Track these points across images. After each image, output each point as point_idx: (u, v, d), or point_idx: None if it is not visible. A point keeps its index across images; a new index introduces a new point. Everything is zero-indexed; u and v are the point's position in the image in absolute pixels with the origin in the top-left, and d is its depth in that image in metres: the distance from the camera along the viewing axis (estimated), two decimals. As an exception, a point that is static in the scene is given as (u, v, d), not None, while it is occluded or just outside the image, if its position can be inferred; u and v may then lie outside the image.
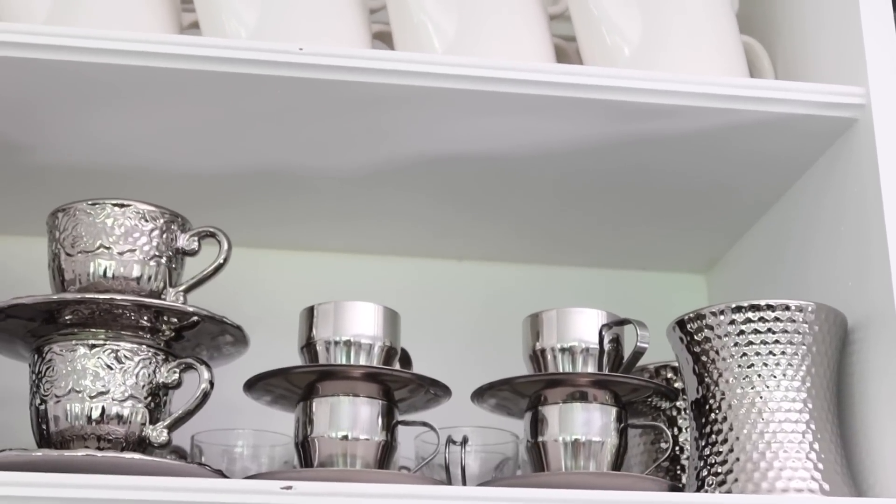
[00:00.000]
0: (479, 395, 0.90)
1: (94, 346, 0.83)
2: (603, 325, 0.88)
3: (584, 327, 0.88)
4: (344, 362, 0.87)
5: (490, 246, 1.12)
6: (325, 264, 1.10)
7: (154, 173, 0.98)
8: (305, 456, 0.86)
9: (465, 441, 0.90)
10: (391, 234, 1.08)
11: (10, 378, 0.97)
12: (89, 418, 0.82)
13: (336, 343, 0.88)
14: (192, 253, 0.87)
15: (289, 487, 0.76)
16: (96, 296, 0.82)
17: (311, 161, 0.97)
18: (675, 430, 0.94)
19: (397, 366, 0.90)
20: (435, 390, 0.89)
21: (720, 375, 0.85)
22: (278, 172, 0.99)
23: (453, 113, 0.91)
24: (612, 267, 1.15)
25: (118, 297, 0.82)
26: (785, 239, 1.03)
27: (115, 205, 0.85)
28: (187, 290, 0.87)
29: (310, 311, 0.89)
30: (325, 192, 1.01)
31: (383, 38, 1.00)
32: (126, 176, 0.98)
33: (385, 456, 0.86)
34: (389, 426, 0.86)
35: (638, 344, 0.86)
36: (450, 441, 0.90)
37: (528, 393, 0.89)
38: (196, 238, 0.88)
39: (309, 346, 0.88)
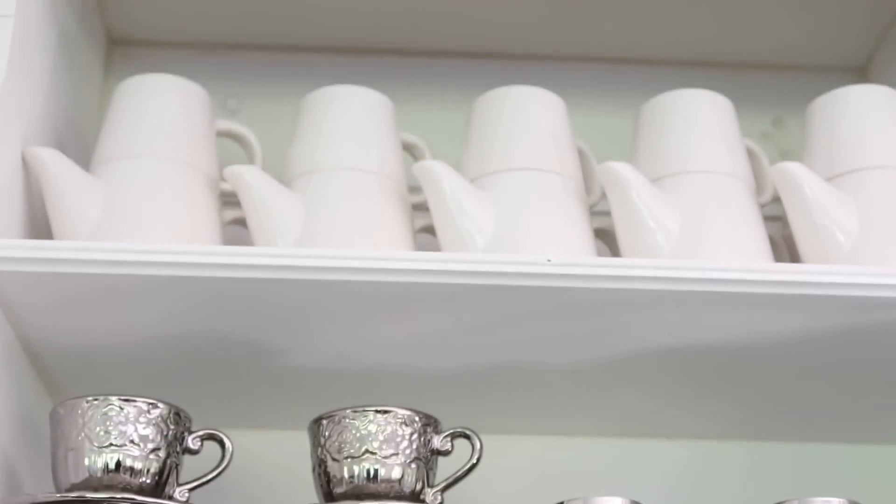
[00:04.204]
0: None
1: (366, 548, 0.89)
2: (850, 516, 0.91)
3: (831, 519, 0.92)
4: (595, 557, 0.91)
5: (699, 425, 1.15)
6: (544, 448, 1.14)
7: (397, 374, 1.04)
8: None
9: None
10: (611, 419, 1.13)
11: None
12: None
13: (587, 538, 0.92)
14: (446, 454, 0.93)
15: None
16: None
17: (541, 357, 1.02)
18: None
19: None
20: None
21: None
22: (511, 368, 1.04)
23: (679, 312, 0.96)
24: (824, 441, 1.17)
25: (389, 502, 0.88)
26: None
27: (377, 412, 0.91)
28: (444, 490, 0.92)
29: (561, 508, 0.94)
30: (553, 385, 1.06)
31: (601, 236, 1.06)
32: (371, 376, 1.04)
33: None
34: None
35: (887, 533, 0.89)
36: None
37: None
38: (450, 439, 0.93)
39: (561, 542, 0.93)
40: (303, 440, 0.95)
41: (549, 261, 0.92)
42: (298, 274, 0.91)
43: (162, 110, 1.03)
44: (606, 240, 1.07)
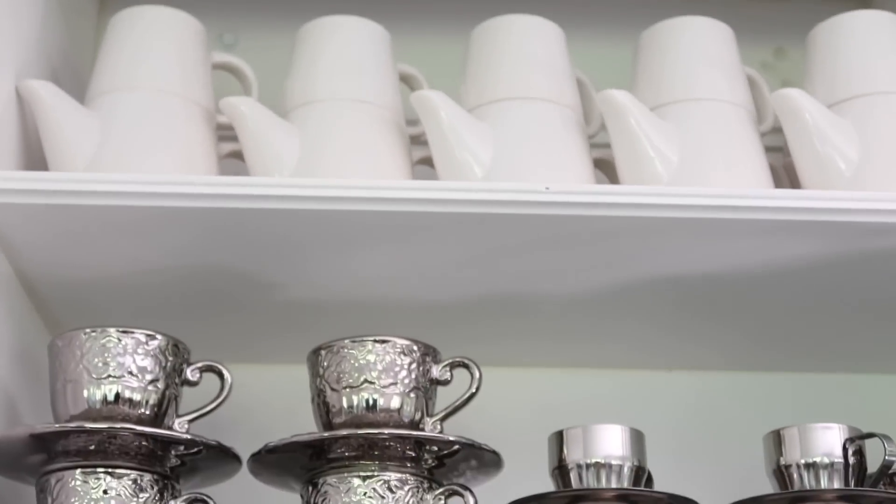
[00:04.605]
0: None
1: (366, 477, 0.88)
2: (847, 440, 0.91)
3: (827, 442, 0.91)
4: (595, 485, 0.91)
5: (699, 356, 1.15)
6: (544, 379, 1.14)
7: (396, 304, 1.03)
8: (565, 576, 0.90)
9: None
10: (611, 349, 1.13)
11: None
12: (365, 548, 0.87)
13: (587, 466, 0.92)
14: (445, 383, 0.93)
15: None
16: (370, 431, 0.87)
17: (540, 287, 1.02)
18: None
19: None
20: (682, 508, 0.92)
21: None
22: (510, 298, 1.03)
23: (678, 240, 0.95)
24: (824, 371, 1.17)
25: (388, 431, 0.88)
26: None
27: (375, 341, 0.91)
28: (443, 419, 0.92)
29: (559, 436, 0.93)
30: (552, 315, 1.06)
31: (601, 166, 1.06)
32: (371, 307, 1.04)
33: (641, 573, 0.90)
34: (641, 544, 0.90)
35: (886, 458, 0.89)
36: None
37: (772, 507, 0.92)
38: (448, 368, 0.93)
39: (561, 469, 0.93)
40: (302, 373, 0.94)
41: (547, 189, 0.91)
42: (296, 204, 0.91)
43: (157, 42, 1.02)
44: (606, 170, 1.07)
